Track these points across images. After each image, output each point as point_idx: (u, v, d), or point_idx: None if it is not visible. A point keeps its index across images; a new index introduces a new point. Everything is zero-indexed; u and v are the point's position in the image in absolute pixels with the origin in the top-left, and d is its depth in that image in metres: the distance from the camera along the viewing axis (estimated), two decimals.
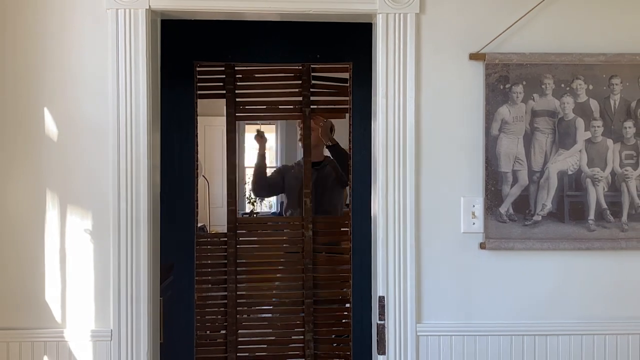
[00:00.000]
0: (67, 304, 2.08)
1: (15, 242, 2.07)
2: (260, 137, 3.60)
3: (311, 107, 2.82)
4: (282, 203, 6.56)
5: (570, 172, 2.15)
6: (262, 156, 3.50)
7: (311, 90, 2.84)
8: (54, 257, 2.08)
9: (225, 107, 2.84)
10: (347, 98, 2.67)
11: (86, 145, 2.07)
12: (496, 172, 2.13)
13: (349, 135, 2.65)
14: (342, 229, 2.85)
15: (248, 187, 7.02)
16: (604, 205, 2.14)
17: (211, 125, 3.12)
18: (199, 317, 2.71)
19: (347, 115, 2.67)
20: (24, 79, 2.06)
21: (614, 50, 2.13)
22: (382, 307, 2.13)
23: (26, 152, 2.07)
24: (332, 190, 3.30)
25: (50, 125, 2.07)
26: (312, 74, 2.83)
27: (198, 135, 2.64)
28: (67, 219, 2.08)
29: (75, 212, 2.08)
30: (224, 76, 2.78)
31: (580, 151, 2.14)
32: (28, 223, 2.08)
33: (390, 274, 2.12)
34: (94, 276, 2.08)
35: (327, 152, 3.44)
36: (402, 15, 2.10)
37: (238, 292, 2.80)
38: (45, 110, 2.07)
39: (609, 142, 2.14)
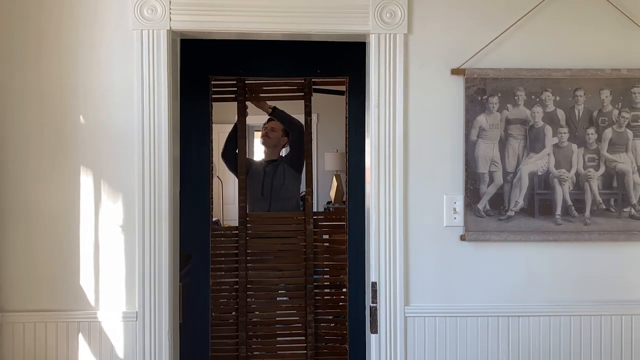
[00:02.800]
0: (100, 289, 2.08)
1: (56, 233, 2.07)
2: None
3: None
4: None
5: (540, 173, 2.15)
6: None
7: (312, 101, 2.86)
8: (88, 247, 2.07)
9: (236, 116, 2.85)
10: (343, 107, 2.68)
11: (115, 149, 2.07)
12: (475, 173, 2.13)
13: (346, 141, 2.65)
14: (339, 223, 2.85)
15: None
16: (570, 202, 2.15)
17: (224, 132, 3.12)
18: (213, 301, 2.72)
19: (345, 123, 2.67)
20: (61, 90, 2.06)
21: (579, 66, 2.13)
22: (374, 292, 2.13)
23: (65, 156, 2.07)
24: (288, 181, 3.34)
25: (84, 131, 2.07)
26: (313, 86, 2.84)
27: (213, 140, 2.65)
28: (100, 213, 2.08)
29: (106, 206, 2.08)
30: (236, 89, 2.79)
31: (548, 155, 2.14)
32: (66, 217, 2.07)
33: (381, 263, 2.12)
34: (124, 264, 2.08)
35: (283, 153, 3.51)
36: (392, 35, 2.10)
37: (248, 279, 2.81)
38: (81, 118, 2.07)
39: (574, 146, 2.15)
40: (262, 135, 3.49)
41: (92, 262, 2.08)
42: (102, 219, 2.08)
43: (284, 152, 3.54)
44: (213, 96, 2.64)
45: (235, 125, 2.93)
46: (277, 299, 2.91)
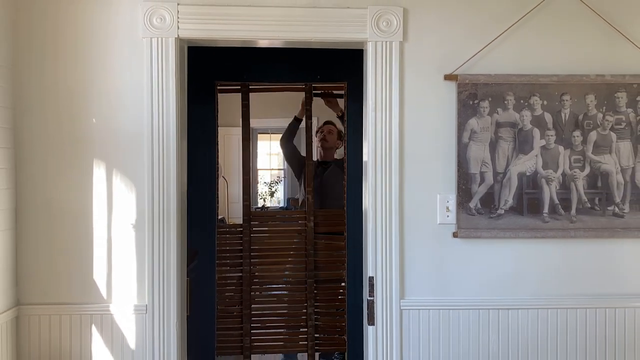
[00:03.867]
0: (112, 283, 2.10)
1: (71, 230, 2.08)
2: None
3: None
4: (288, 199, 6.53)
5: (528, 173, 2.17)
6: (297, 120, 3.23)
7: (312, 105, 2.87)
8: (101, 243, 2.09)
9: (241, 119, 2.86)
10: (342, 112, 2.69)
11: (127, 150, 2.09)
12: (466, 174, 2.15)
13: (344, 143, 2.67)
14: (338, 220, 2.86)
15: (260, 186, 7.02)
16: (556, 201, 2.16)
17: (229, 135, 3.13)
18: (219, 294, 2.74)
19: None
20: (76, 94, 2.07)
21: (565, 72, 2.15)
22: (371, 286, 2.15)
23: (80, 157, 2.08)
24: (337, 183, 3.19)
25: (98, 134, 2.08)
26: (314, 91, 2.85)
27: (218, 142, 2.67)
28: (112, 211, 2.09)
29: (118, 205, 2.10)
30: (240, 93, 2.81)
31: (536, 156, 2.16)
32: (81, 215, 2.09)
33: (378, 258, 2.14)
34: (135, 259, 2.10)
35: (338, 155, 3.40)
36: (388, 42, 2.12)
37: (252, 273, 2.82)
38: (94, 120, 2.08)
39: (561, 148, 2.16)
40: (320, 138, 3.46)
41: (105, 257, 2.09)
42: (114, 217, 2.10)
43: (336, 155, 3.48)
44: (219, 106, 2.63)
45: (295, 119, 3.18)
46: (279, 292, 2.92)
